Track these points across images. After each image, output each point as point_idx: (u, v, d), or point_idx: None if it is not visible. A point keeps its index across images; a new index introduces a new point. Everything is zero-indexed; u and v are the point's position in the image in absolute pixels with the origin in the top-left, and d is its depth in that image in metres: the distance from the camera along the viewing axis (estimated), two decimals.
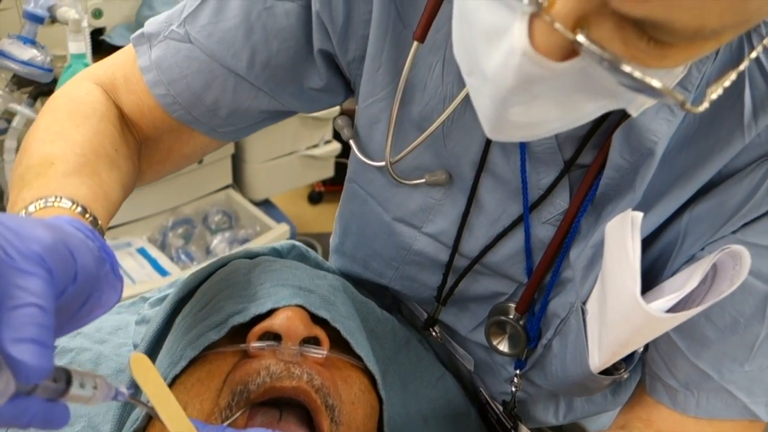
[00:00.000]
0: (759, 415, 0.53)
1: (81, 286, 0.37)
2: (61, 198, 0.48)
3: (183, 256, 1.89)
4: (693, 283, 0.46)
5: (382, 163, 0.62)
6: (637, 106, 0.38)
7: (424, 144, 0.59)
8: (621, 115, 0.51)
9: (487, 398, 0.74)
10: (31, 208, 0.47)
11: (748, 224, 0.50)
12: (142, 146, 0.65)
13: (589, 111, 0.38)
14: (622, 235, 0.47)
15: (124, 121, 0.62)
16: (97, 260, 0.39)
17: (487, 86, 0.37)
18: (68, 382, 0.37)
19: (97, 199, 0.51)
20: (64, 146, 0.54)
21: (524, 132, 0.41)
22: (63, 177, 0.51)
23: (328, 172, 2.34)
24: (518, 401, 0.70)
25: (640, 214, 0.47)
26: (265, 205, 2.18)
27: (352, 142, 0.65)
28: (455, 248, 0.63)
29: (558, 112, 0.37)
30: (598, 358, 0.54)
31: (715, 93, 0.35)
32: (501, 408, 0.72)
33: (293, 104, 0.64)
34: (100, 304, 0.40)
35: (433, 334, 0.73)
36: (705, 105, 0.34)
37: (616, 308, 0.49)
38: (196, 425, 0.45)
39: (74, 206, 0.48)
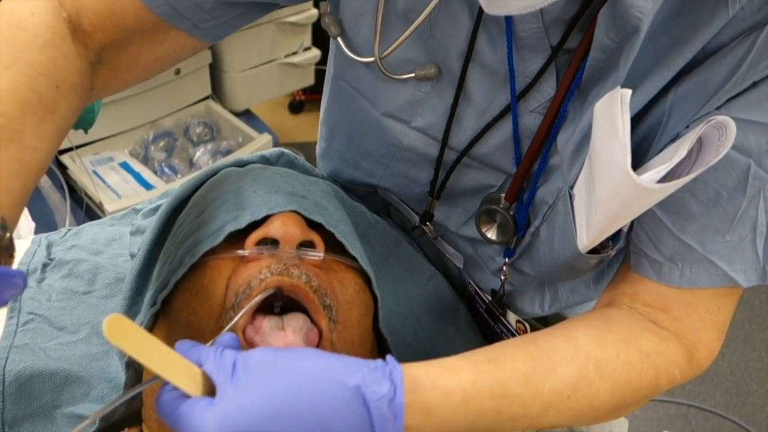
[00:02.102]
0: (738, 281, 0.55)
1: None
2: None
3: (167, 169, 1.88)
4: (681, 154, 0.47)
5: (371, 59, 0.61)
6: None
7: (411, 36, 0.58)
8: None
9: (476, 289, 0.77)
10: None
11: (731, 99, 0.51)
12: (104, 54, 0.59)
13: None
14: (611, 112, 0.47)
15: (78, 34, 0.56)
16: None
17: None
18: None
19: (10, 182, 0.45)
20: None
21: (522, 2, 0.40)
22: None
23: (308, 80, 2.30)
24: (506, 293, 0.73)
25: (628, 91, 0.47)
26: (246, 115, 2.15)
27: (339, 40, 0.64)
28: (445, 141, 0.64)
29: None
30: (586, 237, 0.55)
31: None
32: (489, 298, 0.75)
33: None
34: (3, 300, 0.39)
35: (430, 229, 0.75)
36: None
37: (606, 184, 0.49)
38: (189, 351, 0.45)
39: None
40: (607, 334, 0.56)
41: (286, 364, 0.44)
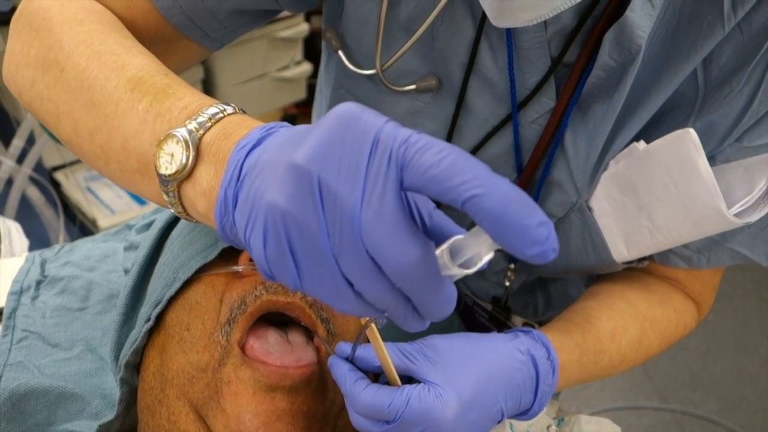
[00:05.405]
0: (759, 262, 0.62)
1: None
2: (227, 103, 0.45)
3: None
4: (762, 188, 0.53)
5: (373, 71, 0.62)
6: None
7: (413, 47, 0.59)
8: (604, 9, 0.53)
9: (474, 300, 0.77)
10: (218, 114, 0.45)
11: (748, 130, 0.56)
12: None
13: None
14: (685, 153, 0.53)
15: None
16: None
17: None
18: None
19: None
20: (143, 57, 0.49)
21: (529, 13, 0.42)
22: (186, 87, 0.47)
23: (300, 94, 2.31)
24: (509, 298, 0.74)
25: (694, 132, 0.52)
26: None
27: (340, 53, 0.64)
28: None
29: None
30: (626, 251, 0.62)
31: None
32: (491, 306, 0.76)
33: (287, 2, 0.62)
34: None
35: None
36: None
37: (678, 214, 0.56)
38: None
39: (235, 108, 0.45)
40: (651, 295, 0.67)
41: (471, 344, 0.53)
